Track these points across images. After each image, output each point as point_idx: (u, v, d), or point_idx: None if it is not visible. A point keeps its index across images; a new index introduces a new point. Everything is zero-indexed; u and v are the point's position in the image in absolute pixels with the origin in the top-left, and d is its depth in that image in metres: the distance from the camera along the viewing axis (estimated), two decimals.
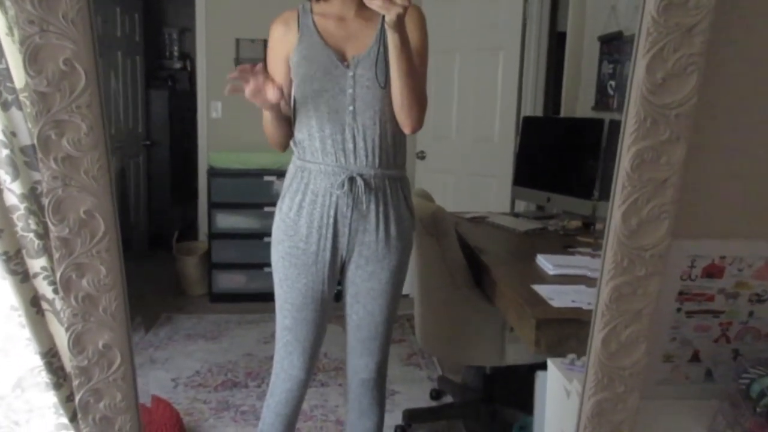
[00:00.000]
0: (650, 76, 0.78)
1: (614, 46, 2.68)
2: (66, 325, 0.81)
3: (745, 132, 0.96)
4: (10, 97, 0.86)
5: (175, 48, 5.47)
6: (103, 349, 0.83)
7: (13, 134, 0.90)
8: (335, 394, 2.75)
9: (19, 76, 0.84)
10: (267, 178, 3.84)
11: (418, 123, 1.56)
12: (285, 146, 1.66)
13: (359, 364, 1.78)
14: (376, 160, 1.57)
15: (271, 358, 3.13)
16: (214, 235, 3.90)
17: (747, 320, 1.12)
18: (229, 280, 3.96)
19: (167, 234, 4.23)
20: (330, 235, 1.59)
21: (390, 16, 1.35)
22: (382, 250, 1.62)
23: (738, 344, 1.14)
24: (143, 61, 4.82)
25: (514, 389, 2.69)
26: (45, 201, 0.77)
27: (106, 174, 0.77)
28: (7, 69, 0.85)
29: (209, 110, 4.30)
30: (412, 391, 2.78)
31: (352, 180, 1.55)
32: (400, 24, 1.38)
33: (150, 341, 3.30)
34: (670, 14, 0.75)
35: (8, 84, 0.85)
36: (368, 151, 1.56)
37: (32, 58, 0.71)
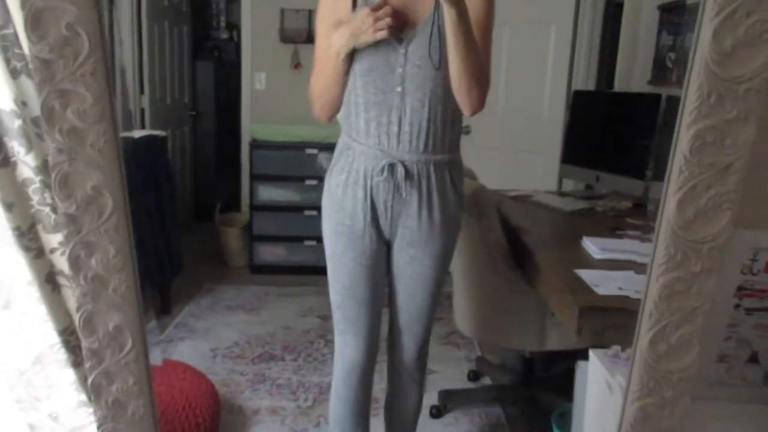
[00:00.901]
0: (717, 44, 0.67)
1: (675, 15, 2.51)
2: (76, 306, 0.78)
3: None
4: (19, 65, 0.82)
5: (222, 18, 5.47)
6: (114, 331, 0.80)
7: (24, 104, 0.86)
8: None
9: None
10: (309, 151, 3.80)
11: (480, 104, 1.46)
12: (335, 113, 1.56)
13: (400, 344, 1.73)
14: (421, 145, 1.48)
15: (308, 331, 3.16)
16: (256, 207, 3.91)
17: None
18: (269, 253, 3.97)
19: (211, 205, 4.27)
20: (371, 217, 1.54)
21: None
22: (425, 234, 1.56)
23: None
24: (190, 32, 4.83)
25: (553, 373, 2.62)
26: (51, 175, 0.73)
27: (114, 147, 0.72)
28: (15, 35, 0.80)
29: (253, 81, 4.28)
30: (449, 371, 2.74)
31: (392, 166, 1.48)
32: None
33: (191, 311, 3.35)
34: None
35: (16, 50, 0.81)
36: (413, 135, 1.47)
37: (35, 23, 0.66)
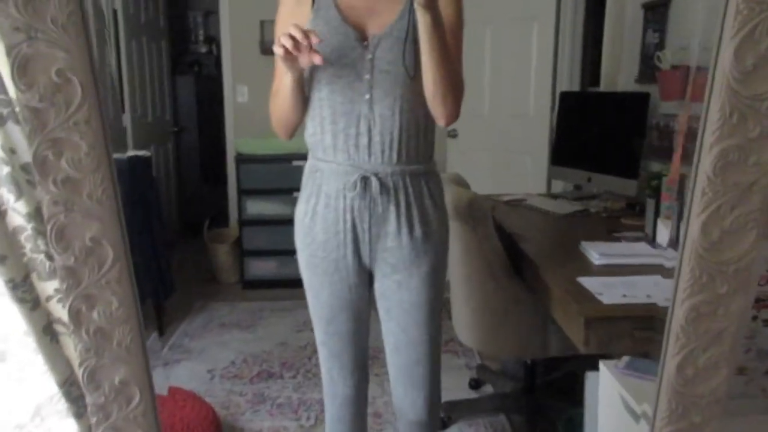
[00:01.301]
0: (739, 63, 0.65)
1: (660, 13, 2.50)
2: (78, 361, 0.74)
3: None
4: (5, 111, 0.78)
5: (201, 32, 5.41)
6: (120, 385, 0.76)
7: (12, 151, 0.82)
8: (372, 385, 2.69)
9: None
10: (296, 162, 3.76)
11: (454, 114, 1.37)
12: (293, 132, 1.46)
13: (405, 401, 1.54)
14: (394, 156, 1.37)
15: (305, 347, 3.12)
16: (245, 222, 3.87)
17: None
18: (261, 267, 3.93)
19: (198, 221, 4.22)
20: (350, 242, 1.42)
21: None
22: (409, 254, 1.42)
23: None
24: (168, 47, 4.77)
25: (555, 378, 2.60)
26: (47, 228, 0.69)
27: (113, 196, 0.69)
28: (0, 80, 0.76)
29: (235, 94, 4.23)
30: (449, 381, 2.69)
31: (365, 180, 1.37)
32: (432, 3, 1.21)
33: (185, 331, 3.30)
34: None
35: (2, 96, 0.77)
36: (385, 145, 1.36)
37: (21, 70, 0.62)
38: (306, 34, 1.22)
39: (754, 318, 0.99)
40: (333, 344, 1.54)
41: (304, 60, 1.26)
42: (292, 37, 1.21)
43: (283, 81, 1.36)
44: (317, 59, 1.24)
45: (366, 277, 1.49)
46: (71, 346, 0.91)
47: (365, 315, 1.54)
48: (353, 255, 1.43)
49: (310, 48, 1.23)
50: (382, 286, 1.48)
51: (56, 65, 0.63)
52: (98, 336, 0.74)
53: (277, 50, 1.24)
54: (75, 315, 0.73)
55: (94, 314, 0.73)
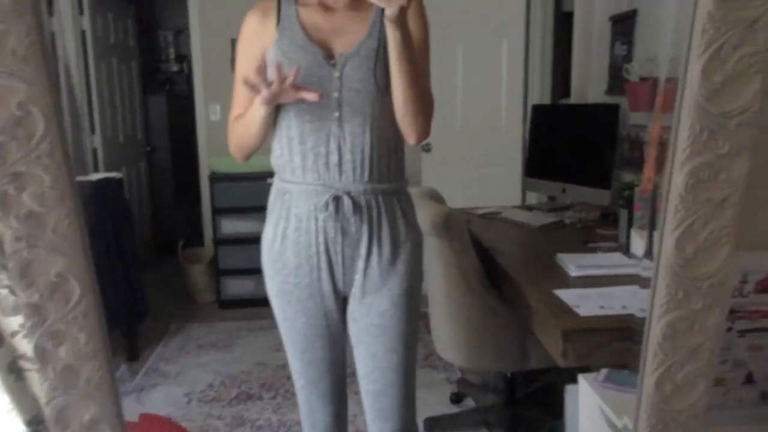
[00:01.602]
0: (707, 81, 0.66)
1: (627, 26, 2.55)
2: (45, 400, 0.72)
3: None
4: None
5: (171, 50, 5.38)
6: (90, 423, 0.73)
7: None
8: (351, 403, 2.67)
9: None
10: (270, 180, 3.71)
11: (425, 132, 1.36)
12: (251, 156, 1.42)
13: (373, 430, 1.49)
14: (366, 174, 1.34)
15: (284, 366, 3.06)
16: (220, 241, 3.83)
17: None
18: (237, 286, 3.88)
19: (173, 241, 4.17)
20: (324, 265, 1.38)
21: (392, 9, 1.17)
22: (380, 276, 1.38)
23: None
24: (139, 66, 4.73)
25: (536, 389, 2.60)
26: (9, 264, 0.67)
27: (78, 229, 0.66)
28: None
29: (208, 113, 4.20)
30: (430, 396, 2.69)
31: (337, 199, 1.34)
32: (402, 18, 1.20)
33: (161, 354, 3.24)
34: (729, 7, 0.63)
35: None
36: (356, 163, 1.34)
37: None
38: (281, 78, 1.22)
39: (729, 329, 0.99)
40: (310, 373, 1.49)
41: (289, 96, 1.26)
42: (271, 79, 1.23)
43: (254, 112, 1.33)
44: (312, 96, 1.25)
45: (341, 303, 1.45)
46: (38, 383, 0.88)
47: (341, 341, 1.50)
48: (328, 279, 1.39)
49: (295, 86, 1.24)
50: (353, 310, 1.44)
51: (17, 97, 0.60)
52: (66, 373, 0.71)
53: (254, 94, 1.25)
54: (41, 353, 0.70)
55: (61, 351, 0.70)
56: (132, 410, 2.50)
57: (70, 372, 0.72)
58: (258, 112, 1.31)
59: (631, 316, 1.48)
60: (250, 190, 3.74)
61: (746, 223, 0.88)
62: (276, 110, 1.37)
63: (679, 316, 0.75)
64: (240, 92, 1.40)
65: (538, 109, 3.05)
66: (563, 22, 3.57)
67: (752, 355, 1.02)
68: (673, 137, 0.70)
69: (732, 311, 0.99)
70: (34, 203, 0.64)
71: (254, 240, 4.29)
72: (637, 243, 1.92)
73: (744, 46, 0.66)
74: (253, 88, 1.24)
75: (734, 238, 0.72)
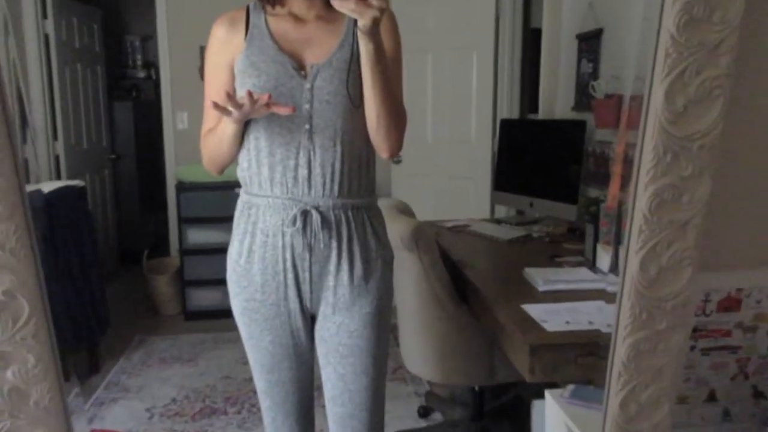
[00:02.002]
0: (670, 104, 0.67)
1: (593, 44, 2.59)
2: None
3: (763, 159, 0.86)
4: None
5: (138, 57, 5.30)
6: None
7: None
8: (319, 417, 2.64)
9: None
10: (238, 190, 3.69)
11: (398, 145, 1.33)
12: (226, 168, 1.40)
13: None
14: (336, 189, 1.31)
15: (250, 379, 3.01)
16: (186, 251, 3.76)
17: (766, 355, 1.03)
18: (203, 298, 3.81)
19: (138, 250, 4.08)
20: (291, 282, 1.34)
21: (364, 21, 1.14)
22: (350, 295, 1.35)
23: (757, 380, 1.04)
24: (105, 72, 4.65)
25: (503, 402, 2.60)
26: None
27: (28, 245, 0.63)
28: None
29: (175, 121, 4.14)
30: (398, 409, 2.67)
31: (306, 214, 1.30)
32: (375, 30, 1.18)
33: (122, 368, 3.15)
34: (691, 31, 0.64)
35: None
36: (326, 177, 1.31)
37: None
38: (253, 102, 1.20)
39: (693, 348, 1.00)
40: (276, 393, 1.46)
41: (261, 112, 1.24)
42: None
43: (225, 129, 1.30)
44: (285, 111, 1.23)
45: (308, 321, 1.41)
46: None
47: (309, 360, 1.46)
48: (295, 296, 1.35)
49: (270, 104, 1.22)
50: (321, 329, 1.40)
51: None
52: (14, 396, 0.68)
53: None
54: None
55: (8, 374, 0.67)
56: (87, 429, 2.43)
57: (18, 395, 0.69)
58: (228, 129, 1.29)
59: (597, 331, 1.49)
60: (217, 200, 3.69)
61: (708, 243, 0.89)
62: (245, 122, 1.34)
63: (643, 336, 0.75)
64: (210, 106, 1.37)
65: (506, 124, 3.08)
66: (532, 39, 3.62)
67: (715, 372, 1.04)
68: (637, 159, 0.70)
69: (695, 330, 1.00)
70: None
71: (221, 250, 4.22)
72: (603, 258, 1.94)
73: (706, 70, 0.67)
74: (224, 112, 1.22)
75: (697, 259, 0.73)
